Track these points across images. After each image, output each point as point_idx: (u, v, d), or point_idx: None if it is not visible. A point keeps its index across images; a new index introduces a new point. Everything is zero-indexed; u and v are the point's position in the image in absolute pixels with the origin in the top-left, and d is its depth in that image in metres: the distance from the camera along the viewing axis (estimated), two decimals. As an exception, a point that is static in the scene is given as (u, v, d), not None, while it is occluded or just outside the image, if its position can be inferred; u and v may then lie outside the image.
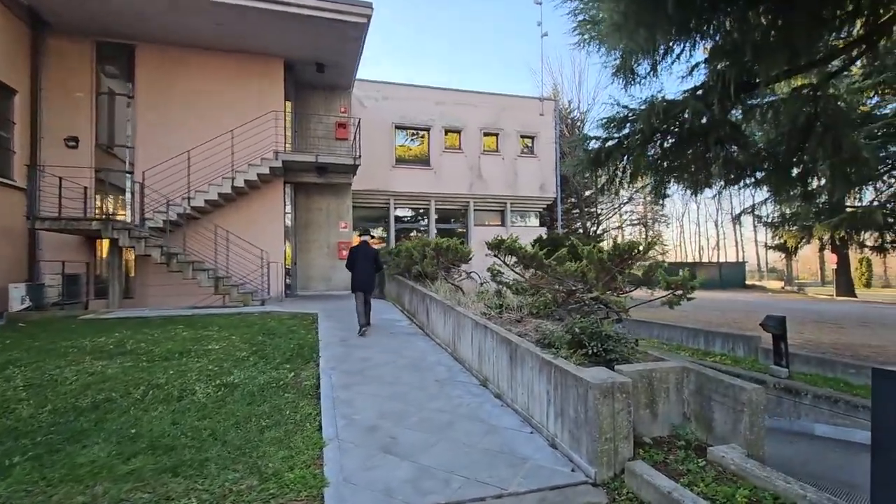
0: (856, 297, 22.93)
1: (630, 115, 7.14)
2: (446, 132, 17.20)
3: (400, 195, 16.62)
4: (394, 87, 16.70)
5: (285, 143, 12.14)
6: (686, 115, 6.72)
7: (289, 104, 12.65)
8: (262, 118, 11.12)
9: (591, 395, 3.10)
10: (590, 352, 3.69)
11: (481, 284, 7.05)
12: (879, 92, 14.93)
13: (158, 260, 9.36)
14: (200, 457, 3.22)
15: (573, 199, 24.24)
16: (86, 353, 5.72)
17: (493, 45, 78.08)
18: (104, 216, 9.80)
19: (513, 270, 5.93)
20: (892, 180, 19.96)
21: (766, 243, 31.33)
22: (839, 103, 7.55)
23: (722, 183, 8.69)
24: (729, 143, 8.21)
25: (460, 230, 17.67)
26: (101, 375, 4.92)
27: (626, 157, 7.43)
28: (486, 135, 17.59)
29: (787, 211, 23.79)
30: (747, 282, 38.03)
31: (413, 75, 79.03)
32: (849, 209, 20.82)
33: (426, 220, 17.22)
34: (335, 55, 12.04)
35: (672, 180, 8.43)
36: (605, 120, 7.27)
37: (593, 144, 7.35)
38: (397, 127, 16.64)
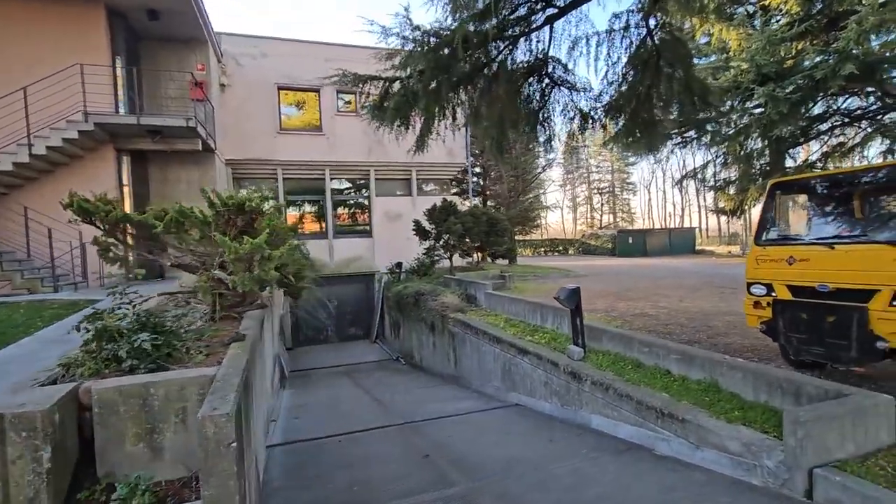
0: (790, 259, 22.46)
1: (415, 47, 5.87)
2: (339, 93, 15.62)
3: (289, 164, 15.11)
4: (275, 43, 14.93)
5: (116, 103, 10.54)
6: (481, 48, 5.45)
7: (120, 59, 10.97)
8: (63, 73, 9.46)
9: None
10: (107, 356, 2.55)
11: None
12: (811, 42, 13.86)
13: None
14: None
15: (494, 166, 22.94)
16: None
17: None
18: None
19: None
20: (832, 139, 19.18)
21: (711, 207, 30.82)
22: (675, 34, 6.38)
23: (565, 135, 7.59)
24: (563, 85, 7.02)
25: (361, 201, 16.34)
26: None
27: (419, 100, 6.16)
28: (384, 95, 16.03)
29: (732, 175, 23.04)
30: (699, 247, 37.91)
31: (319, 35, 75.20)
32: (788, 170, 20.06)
33: (323, 192, 15.81)
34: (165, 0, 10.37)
35: (504, 130, 7.26)
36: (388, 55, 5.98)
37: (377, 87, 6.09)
38: (281, 88, 14.98)
